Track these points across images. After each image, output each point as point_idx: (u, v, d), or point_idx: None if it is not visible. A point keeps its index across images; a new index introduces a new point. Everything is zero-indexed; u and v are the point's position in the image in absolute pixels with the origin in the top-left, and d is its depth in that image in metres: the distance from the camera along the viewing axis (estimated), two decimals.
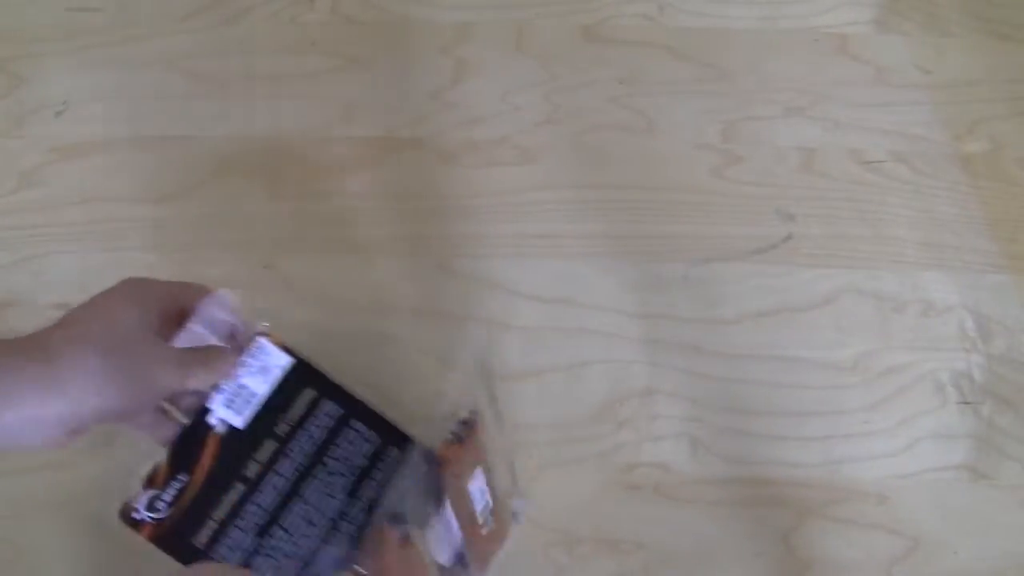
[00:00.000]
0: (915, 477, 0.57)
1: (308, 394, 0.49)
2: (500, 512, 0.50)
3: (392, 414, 0.55)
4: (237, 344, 0.47)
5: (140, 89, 0.69)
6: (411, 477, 0.47)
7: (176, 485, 0.45)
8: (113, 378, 0.38)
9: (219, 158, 0.66)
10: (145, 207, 0.64)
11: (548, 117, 0.69)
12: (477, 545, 0.49)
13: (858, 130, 0.69)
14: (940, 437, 0.58)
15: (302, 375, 0.49)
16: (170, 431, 0.45)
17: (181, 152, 0.66)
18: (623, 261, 0.63)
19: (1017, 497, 0.57)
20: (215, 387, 0.46)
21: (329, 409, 0.49)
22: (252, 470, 0.47)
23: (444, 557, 0.48)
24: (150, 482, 0.45)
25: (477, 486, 0.49)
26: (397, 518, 0.46)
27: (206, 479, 0.46)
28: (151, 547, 0.51)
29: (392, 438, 0.49)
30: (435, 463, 0.47)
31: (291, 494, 0.47)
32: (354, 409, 0.49)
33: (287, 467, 0.47)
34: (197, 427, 0.46)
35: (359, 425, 0.49)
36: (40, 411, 0.37)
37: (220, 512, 0.45)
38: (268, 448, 0.47)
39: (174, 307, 0.43)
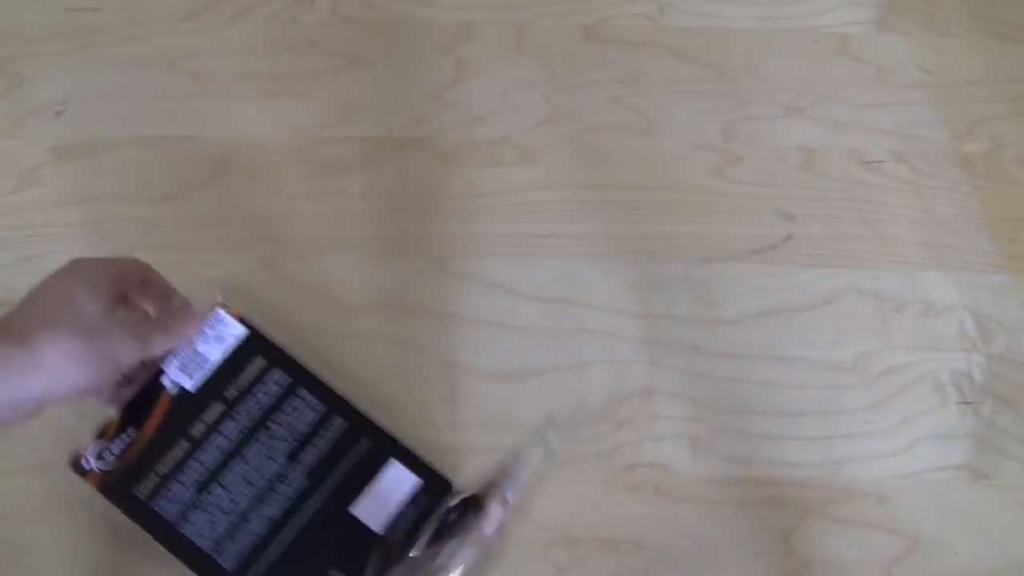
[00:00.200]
0: (915, 477, 0.57)
1: (259, 362, 0.52)
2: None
3: (393, 413, 0.55)
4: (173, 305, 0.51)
5: (140, 89, 0.69)
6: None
7: (125, 439, 0.50)
8: (84, 357, 0.42)
9: (219, 158, 0.66)
10: (145, 207, 0.64)
11: (548, 117, 0.69)
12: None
13: (858, 130, 0.69)
14: (940, 437, 0.58)
15: (255, 345, 0.52)
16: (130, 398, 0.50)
17: (181, 152, 0.66)
18: (623, 261, 0.63)
19: (1017, 497, 0.57)
20: (172, 351, 0.50)
21: (278, 377, 0.52)
22: (198, 430, 0.50)
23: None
24: (101, 434, 0.49)
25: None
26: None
27: (154, 435, 0.50)
28: (150, 548, 0.51)
29: (338, 408, 0.52)
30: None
31: (233, 454, 0.50)
32: (301, 378, 0.52)
33: (231, 428, 0.50)
34: (151, 387, 0.50)
35: (305, 394, 0.52)
36: (18, 391, 0.40)
37: (164, 467, 0.49)
38: (215, 410, 0.51)
39: (121, 284, 0.47)
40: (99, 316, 0.43)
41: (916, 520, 0.56)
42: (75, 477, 0.54)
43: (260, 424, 0.51)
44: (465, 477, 0.55)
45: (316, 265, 0.62)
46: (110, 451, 0.49)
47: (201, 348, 0.51)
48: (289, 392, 0.52)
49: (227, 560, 0.48)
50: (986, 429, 0.58)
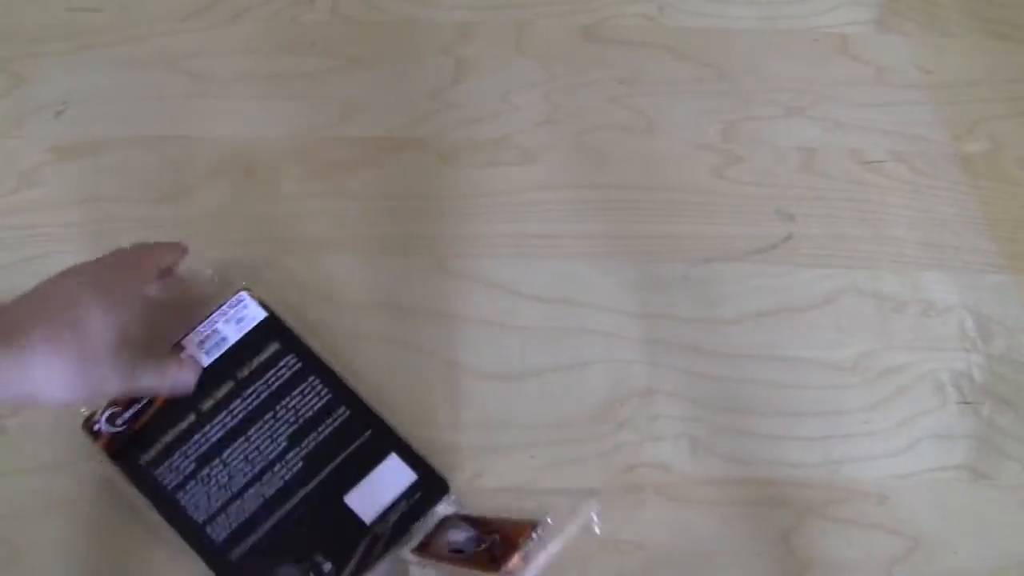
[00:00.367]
0: (915, 477, 0.57)
1: (273, 346, 0.54)
2: None
3: (393, 413, 0.55)
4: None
5: (140, 89, 0.68)
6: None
7: (136, 407, 0.52)
8: (72, 382, 0.42)
9: (219, 158, 0.66)
10: (145, 207, 0.64)
11: (548, 117, 0.69)
12: None
13: (858, 130, 0.69)
14: (940, 437, 0.58)
15: (272, 329, 0.55)
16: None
17: (181, 152, 0.66)
18: (623, 261, 0.63)
19: (1017, 497, 0.57)
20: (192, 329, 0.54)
21: (290, 362, 0.54)
22: (207, 404, 0.52)
23: None
24: (114, 401, 0.52)
25: None
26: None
27: (164, 406, 0.52)
28: (151, 548, 0.51)
29: (344, 399, 0.54)
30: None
31: (237, 432, 0.52)
32: (312, 366, 0.54)
33: (239, 407, 0.52)
34: None
35: (315, 381, 0.54)
36: (2, 392, 0.40)
37: (169, 437, 0.51)
38: (226, 388, 0.53)
39: (135, 310, 0.47)
40: (100, 346, 0.43)
41: (916, 520, 0.56)
42: (75, 477, 0.54)
43: (267, 406, 0.53)
44: (463, 477, 0.55)
45: (316, 265, 0.62)
46: (122, 417, 0.51)
47: (220, 327, 0.54)
48: (299, 378, 0.54)
49: (217, 533, 0.49)
50: (986, 429, 0.58)
